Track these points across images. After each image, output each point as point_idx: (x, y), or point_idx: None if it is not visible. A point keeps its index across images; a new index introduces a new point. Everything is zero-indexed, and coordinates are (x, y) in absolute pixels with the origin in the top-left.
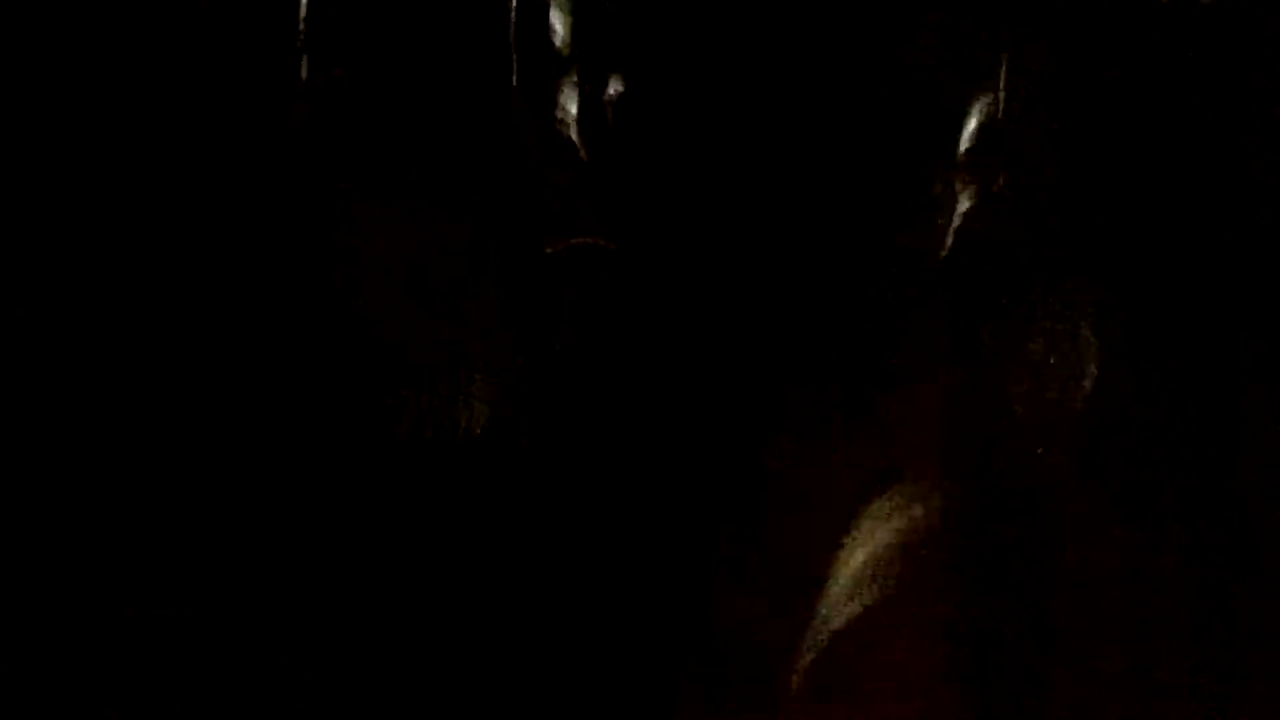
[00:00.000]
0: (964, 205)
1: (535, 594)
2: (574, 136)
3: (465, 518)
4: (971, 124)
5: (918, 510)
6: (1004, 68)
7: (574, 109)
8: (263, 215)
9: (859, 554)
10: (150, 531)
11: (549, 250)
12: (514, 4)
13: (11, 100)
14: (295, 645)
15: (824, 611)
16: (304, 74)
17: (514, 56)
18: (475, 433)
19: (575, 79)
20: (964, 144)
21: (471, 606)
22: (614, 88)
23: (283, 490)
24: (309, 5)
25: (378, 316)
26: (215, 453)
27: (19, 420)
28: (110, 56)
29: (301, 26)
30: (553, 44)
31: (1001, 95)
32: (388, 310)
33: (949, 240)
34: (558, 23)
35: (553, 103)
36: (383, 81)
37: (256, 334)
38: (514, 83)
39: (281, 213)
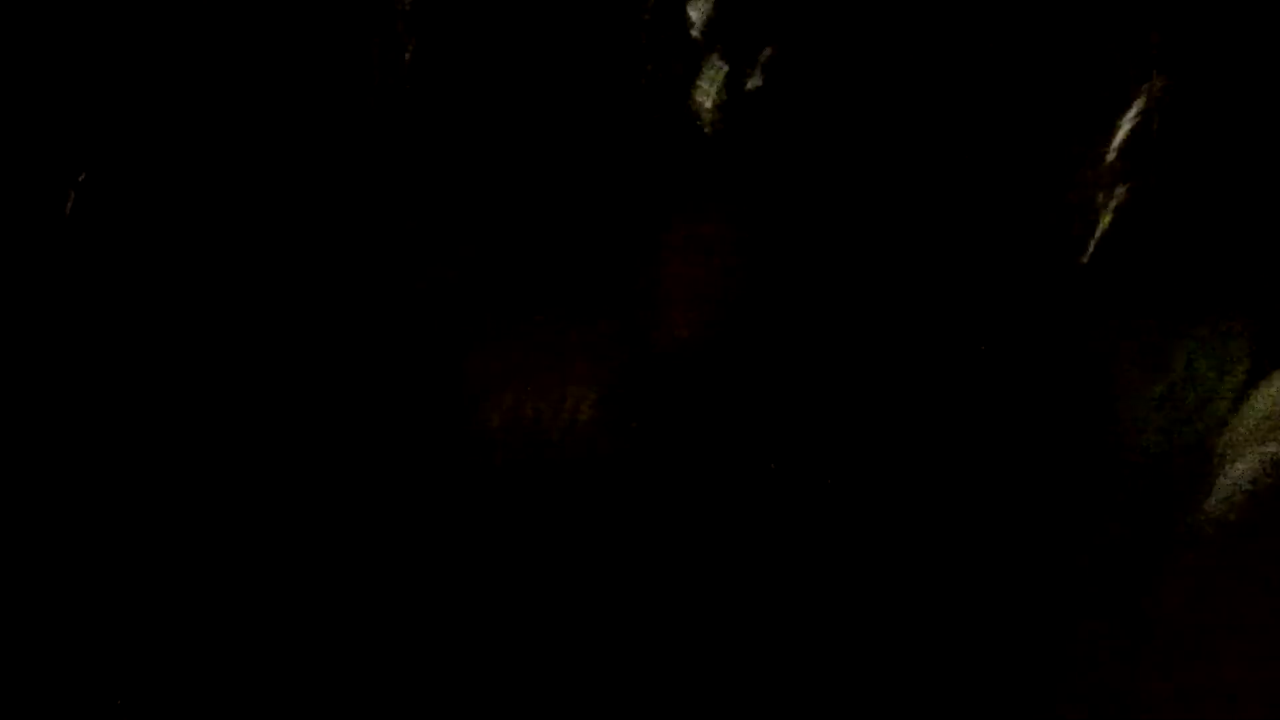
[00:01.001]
0: (1109, 214)
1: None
2: (707, 128)
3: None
4: (1121, 132)
5: None
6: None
7: (709, 100)
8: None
9: None
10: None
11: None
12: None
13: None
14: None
15: None
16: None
17: (648, 46)
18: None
19: (712, 69)
20: (1112, 152)
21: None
22: (752, 80)
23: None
24: None
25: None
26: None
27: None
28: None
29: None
30: (688, 34)
31: (1152, 106)
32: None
33: (1091, 248)
34: (694, 12)
35: (686, 93)
36: (504, 69)
37: (350, 328)
38: (647, 72)
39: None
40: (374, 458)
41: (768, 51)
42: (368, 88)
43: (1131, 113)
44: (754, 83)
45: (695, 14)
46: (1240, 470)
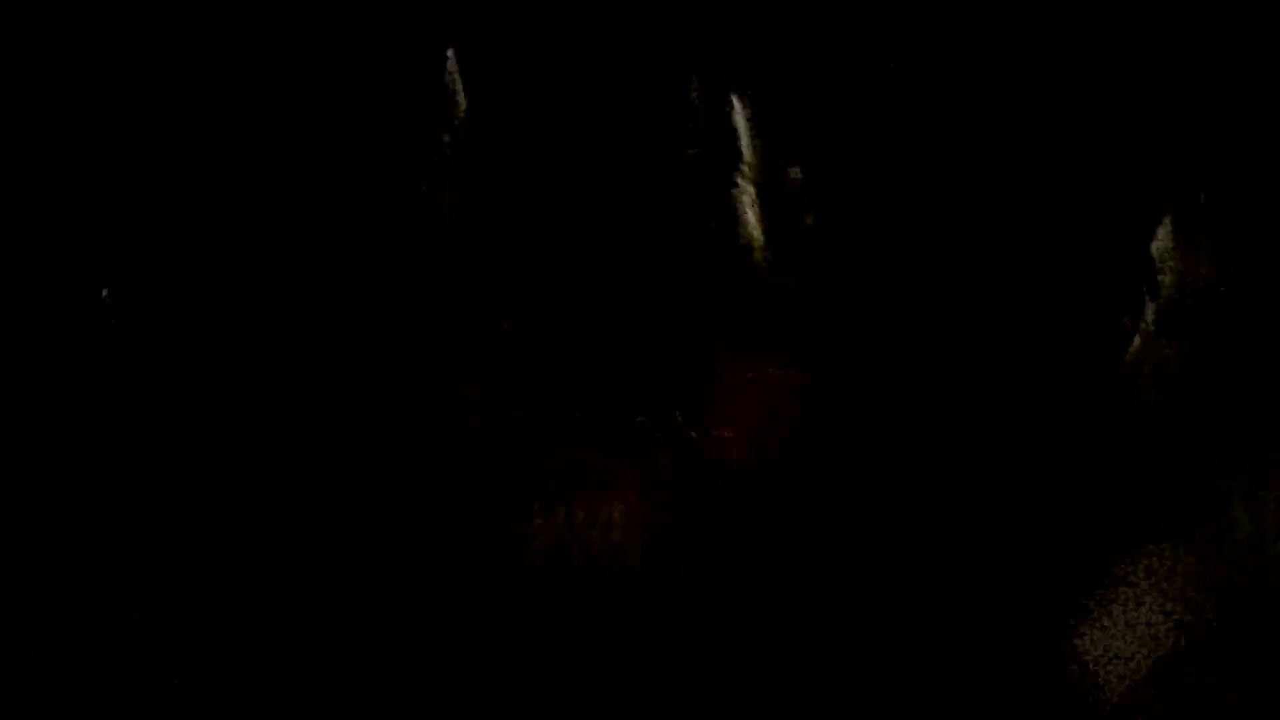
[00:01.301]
0: (1149, 313)
1: None
2: (756, 243)
3: None
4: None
5: None
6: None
7: (753, 211)
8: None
9: None
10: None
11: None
12: (696, 101)
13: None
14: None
15: None
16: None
17: (692, 154)
18: None
19: (754, 176)
20: (1155, 249)
21: None
22: (793, 180)
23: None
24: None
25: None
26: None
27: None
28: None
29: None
30: (734, 141)
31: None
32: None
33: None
34: (739, 121)
35: (731, 198)
36: (548, 169)
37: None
38: (691, 179)
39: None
40: (408, 557)
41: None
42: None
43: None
44: (798, 202)
45: (740, 123)
46: None
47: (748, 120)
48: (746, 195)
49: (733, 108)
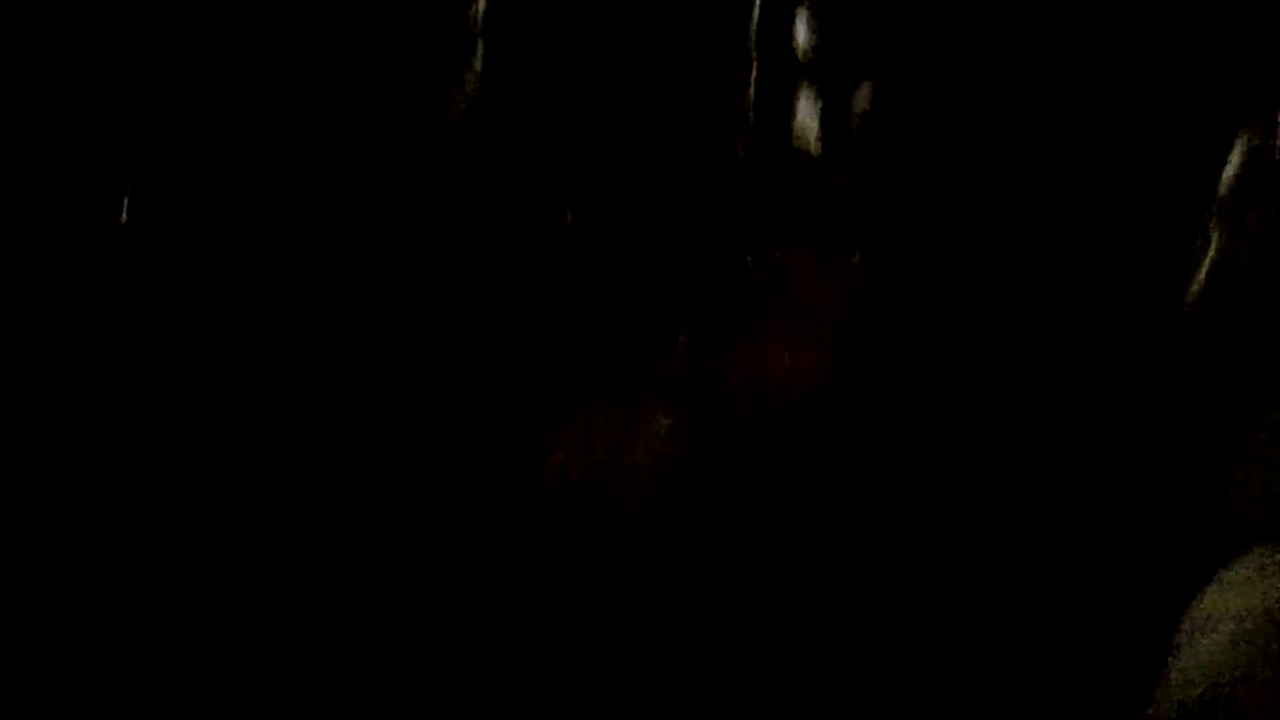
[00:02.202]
0: (1214, 252)
1: None
2: (813, 149)
3: None
4: (1231, 169)
5: None
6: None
7: (815, 121)
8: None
9: None
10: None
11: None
12: (756, 11)
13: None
14: None
15: None
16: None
17: (754, 64)
18: None
19: (816, 89)
20: (1222, 189)
21: None
22: (860, 100)
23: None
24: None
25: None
26: None
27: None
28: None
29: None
30: (794, 53)
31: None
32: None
33: (1198, 286)
34: (801, 31)
35: (792, 113)
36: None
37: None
38: (752, 91)
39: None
40: (427, 493)
41: (866, 86)
42: (445, 116)
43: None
44: (858, 110)
45: (801, 38)
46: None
47: (811, 27)
48: (807, 100)
49: (795, 14)
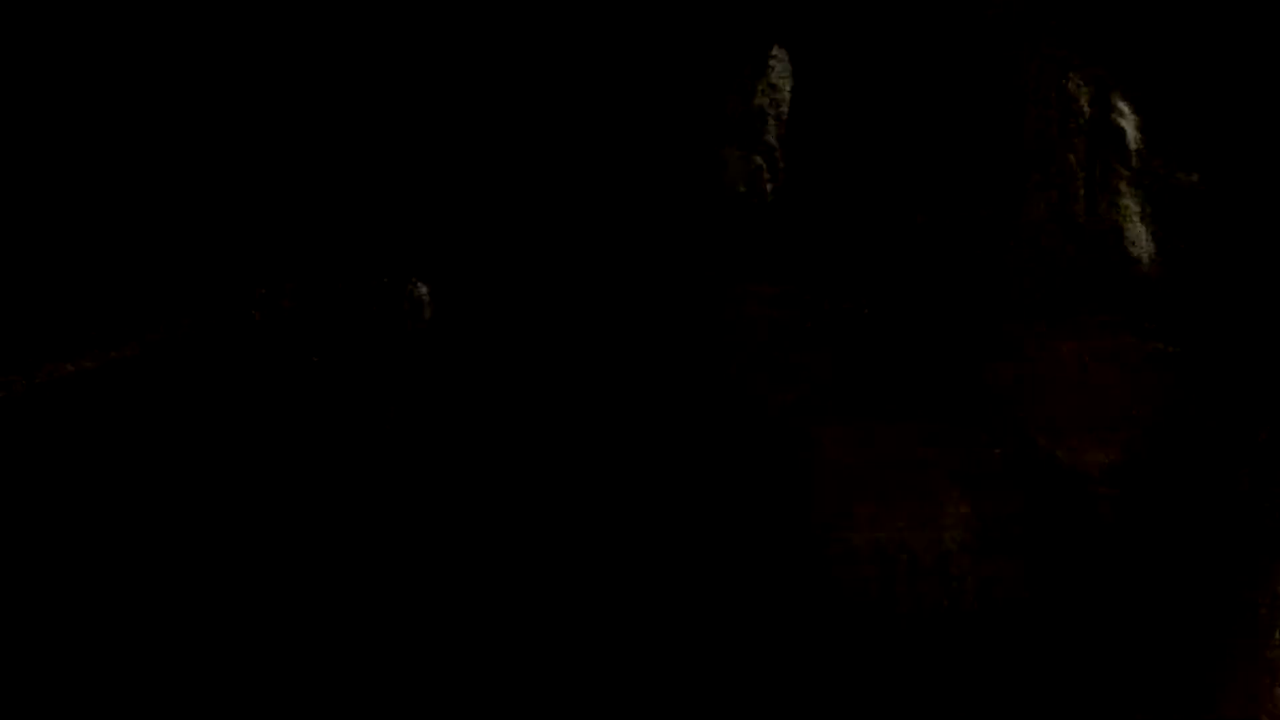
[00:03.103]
0: None
1: None
2: (1140, 236)
3: None
4: None
5: None
6: None
7: (1138, 211)
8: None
9: None
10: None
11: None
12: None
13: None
14: None
15: None
16: None
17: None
18: None
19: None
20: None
21: None
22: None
23: None
24: None
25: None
26: None
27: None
28: None
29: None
30: (1122, 145)
31: None
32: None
33: None
34: (1125, 124)
35: (1114, 197)
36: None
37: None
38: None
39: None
40: (723, 570)
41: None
42: None
43: None
44: (1176, 201)
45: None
46: None
47: (1134, 120)
48: (1131, 196)
49: (1116, 106)
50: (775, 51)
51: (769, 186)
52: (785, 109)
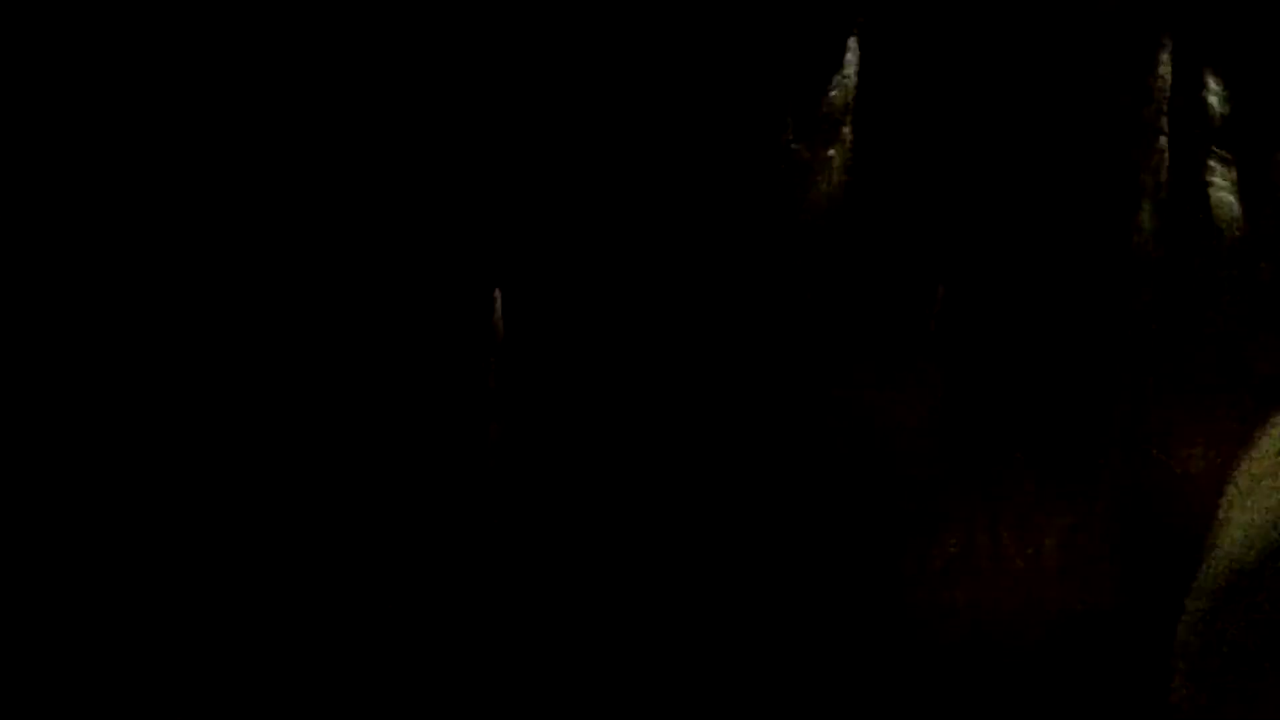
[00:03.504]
0: None
1: None
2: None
3: None
4: None
5: None
6: None
7: (1231, 196)
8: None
9: None
10: None
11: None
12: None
13: None
14: None
15: None
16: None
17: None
18: None
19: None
20: None
21: None
22: None
23: None
24: None
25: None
26: None
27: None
28: None
29: None
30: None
31: None
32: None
33: None
34: (1213, 100)
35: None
36: None
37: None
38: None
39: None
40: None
41: None
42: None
43: None
44: None
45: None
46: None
47: (1223, 99)
48: (1223, 179)
49: (1206, 85)
50: (849, 43)
51: (842, 182)
52: (853, 102)
